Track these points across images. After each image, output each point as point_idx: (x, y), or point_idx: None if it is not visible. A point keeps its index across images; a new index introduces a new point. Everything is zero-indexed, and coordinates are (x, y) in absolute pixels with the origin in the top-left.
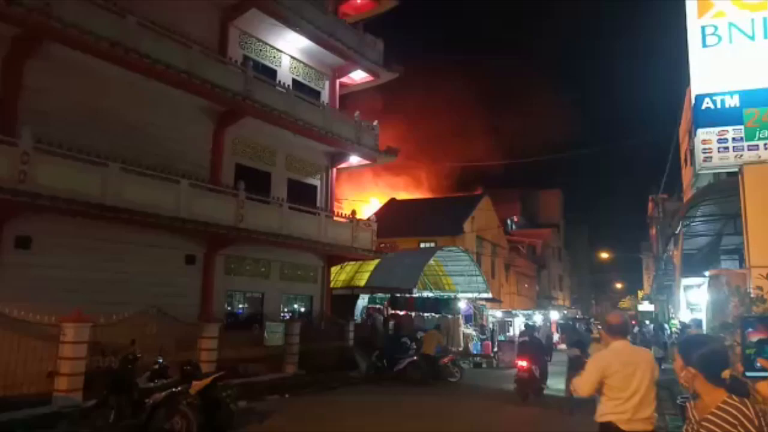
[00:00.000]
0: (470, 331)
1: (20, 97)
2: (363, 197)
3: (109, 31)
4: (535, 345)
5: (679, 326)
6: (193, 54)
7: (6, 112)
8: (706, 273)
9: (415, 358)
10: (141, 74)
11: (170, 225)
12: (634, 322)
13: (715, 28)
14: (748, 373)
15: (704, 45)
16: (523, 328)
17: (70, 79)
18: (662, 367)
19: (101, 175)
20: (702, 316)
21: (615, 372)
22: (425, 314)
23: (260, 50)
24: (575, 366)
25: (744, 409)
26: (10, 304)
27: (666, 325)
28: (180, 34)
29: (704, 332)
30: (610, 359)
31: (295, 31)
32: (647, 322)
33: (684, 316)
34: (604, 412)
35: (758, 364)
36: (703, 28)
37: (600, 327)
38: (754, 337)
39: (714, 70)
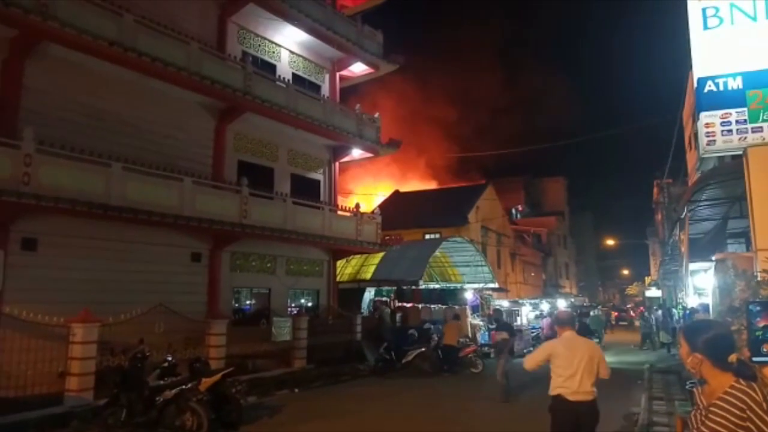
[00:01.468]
0: (477, 321)
1: (21, 98)
2: (374, 190)
3: (106, 30)
4: (582, 328)
5: (682, 311)
6: (192, 51)
7: (7, 114)
8: (713, 257)
9: (423, 349)
10: (140, 73)
11: (174, 223)
12: (641, 309)
13: (717, 9)
14: (754, 358)
15: (705, 27)
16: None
17: (70, 79)
18: (671, 352)
19: (104, 175)
20: (709, 300)
21: (560, 354)
22: (432, 306)
23: (259, 45)
24: (501, 349)
25: (752, 393)
26: (19, 305)
27: (674, 310)
28: (178, 31)
29: (711, 317)
30: (556, 345)
31: (294, 25)
32: (655, 307)
33: (691, 300)
34: (554, 387)
35: (765, 350)
36: (704, 9)
37: (552, 322)
38: (761, 324)
39: (716, 52)
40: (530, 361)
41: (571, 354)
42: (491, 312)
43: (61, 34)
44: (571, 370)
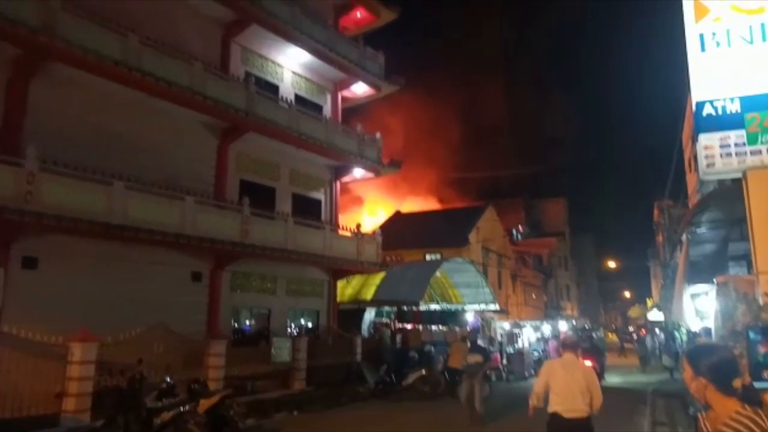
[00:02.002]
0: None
1: (25, 117)
2: (375, 207)
3: (111, 50)
4: (594, 348)
5: (686, 334)
6: (196, 71)
7: (11, 132)
8: (714, 280)
9: (423, 372)
10: (144, 92)
11: (176, 242)
12: (643, 332)
13: (714, 33)
14: (756, 383)
15: (703, 50)
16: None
17: (74, 98)
18: (674, 377)
19: (106, 194)
20: (711, 324)
21: (558, 375)
22: (433, 327)
23: (262, 66)
24: (474, 373)
25: (758, 419)
26: (18, 324)
27: (676, 333)
28: (182, 52)
29: (713, 341)
30: (555, 366)
31: (296, 46)
32: (657, 330)
33: (692, 325)
34: (552, 405)
35: (766, 375)
36: (701, 34)
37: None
38: (763, 350)
39: (714, 75)
40: (537, 387)
41: (569, 375)
42: (492, 334)
43: (66, 53)
44: (567, 389)
